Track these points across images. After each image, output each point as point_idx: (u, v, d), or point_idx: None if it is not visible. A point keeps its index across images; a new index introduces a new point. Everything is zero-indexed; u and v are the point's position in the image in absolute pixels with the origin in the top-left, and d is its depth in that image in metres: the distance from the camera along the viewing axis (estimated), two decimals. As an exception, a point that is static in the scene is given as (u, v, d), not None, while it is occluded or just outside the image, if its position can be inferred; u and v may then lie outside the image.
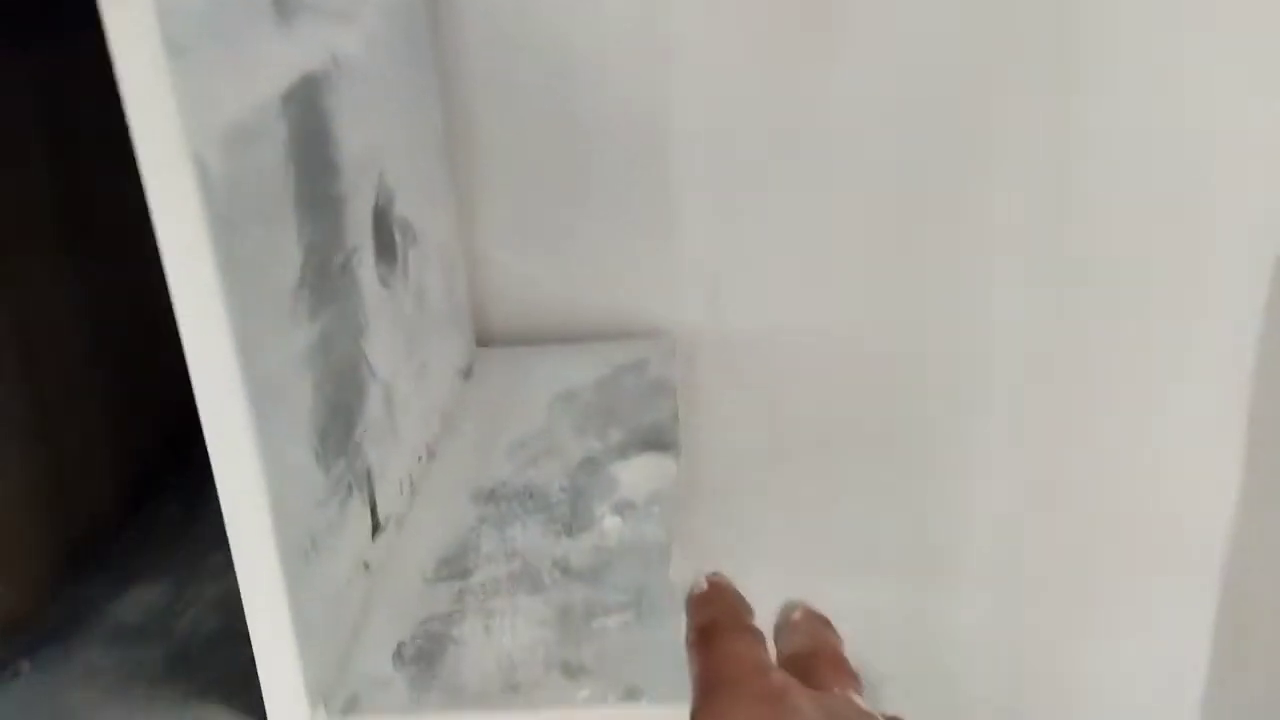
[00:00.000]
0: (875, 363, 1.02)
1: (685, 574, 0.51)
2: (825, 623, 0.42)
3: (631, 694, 0.53)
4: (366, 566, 0.62)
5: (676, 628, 0.42)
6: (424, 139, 0.83)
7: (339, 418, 0.58)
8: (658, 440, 0.79)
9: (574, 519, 0.69)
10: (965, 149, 0.95)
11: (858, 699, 0.37)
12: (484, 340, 0.99)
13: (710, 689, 0.35)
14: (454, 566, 0.65)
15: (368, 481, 0.62)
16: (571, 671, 0.55)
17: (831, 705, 0.35)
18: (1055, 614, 1.11)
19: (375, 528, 0.64)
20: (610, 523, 0.68)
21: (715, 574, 0.41)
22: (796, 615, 0.42)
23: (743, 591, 0.39)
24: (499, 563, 0.65)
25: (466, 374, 0.92)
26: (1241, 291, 0.98)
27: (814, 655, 0.39)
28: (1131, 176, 0.94)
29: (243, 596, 0.51)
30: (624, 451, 0.77)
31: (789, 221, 0.97)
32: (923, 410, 1.04)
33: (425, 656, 0.57)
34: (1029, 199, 0.96)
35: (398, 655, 0.57)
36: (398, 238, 0.72)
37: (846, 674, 0.39)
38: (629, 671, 0.55)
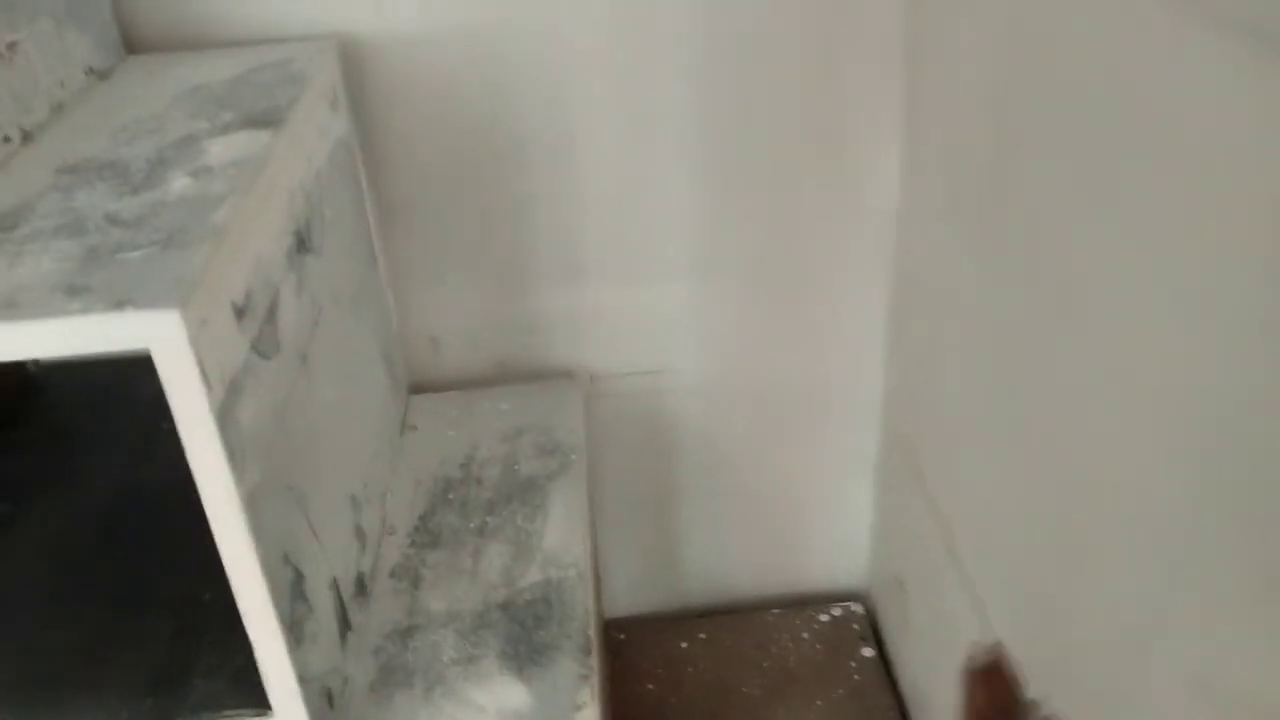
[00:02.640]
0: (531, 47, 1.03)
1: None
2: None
3: (120, 304, 0.55)
4: (-103, 218, 0.62)
5: (203, 258, 0.48)
6: None
7: None
8: (264, 119, 0.79)
9: (145, 182, 0.70)
10: None
11: None
12: (137, 46, 0.97)
13: None
14: (3, 222, 0.65)
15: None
16: (75, 291, 0.57)
17: None
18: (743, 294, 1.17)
19: (-88, 184, 0.64)
20: (180, 184, 0.69)
21: (995, 648, 0.38)
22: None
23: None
24: (50, 218, 0.66)
25: (103, 75, 0.90)
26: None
27: None
28: None
29: None
30: (226, 129, 0.78)
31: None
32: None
33: (-65, 287, 0.58)
34: None
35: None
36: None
37: None
38: (129, 289, 0.57)
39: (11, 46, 0.76)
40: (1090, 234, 0.71)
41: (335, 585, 0.79)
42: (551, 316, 1.16)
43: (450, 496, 1.01)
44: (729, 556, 1.38)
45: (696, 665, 1.36)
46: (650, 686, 1.33)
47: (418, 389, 1.17)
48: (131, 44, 0.96)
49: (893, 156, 1.09)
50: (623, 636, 1.38)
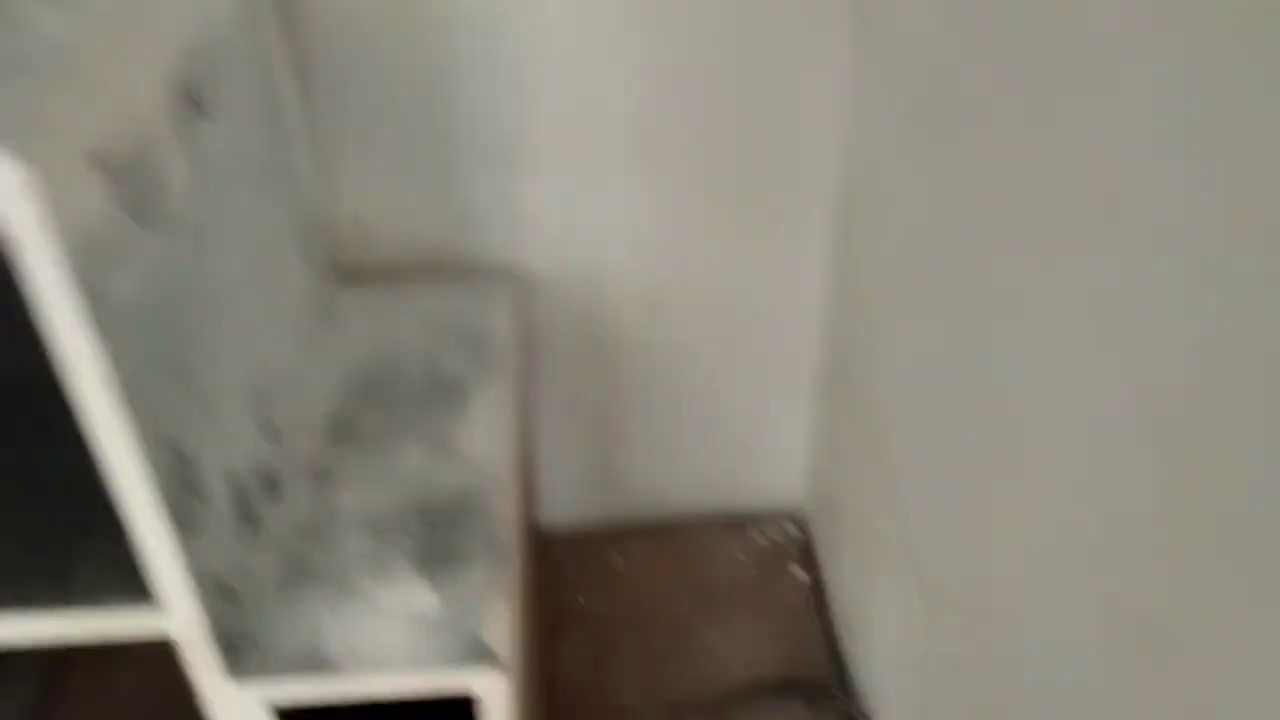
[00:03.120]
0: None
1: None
2: None
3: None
4: None
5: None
6: None
7: None
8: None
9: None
10: None
11: None
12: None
13: None
14: None
15: None
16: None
17: None
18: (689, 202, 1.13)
19: None
20: (42, 15, 0.63)
21: None
22: None
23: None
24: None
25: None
26: None
27: None
28: None
29: None
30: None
31: None
32: None
33: None
34: None
35: None
36: None
37: None
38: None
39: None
40: (1048, 159, 0.67)
41: (235, 477, 0.75)
42: (488, 208, 1.11)
43: (370, 393, 0.97)
44: (669, 469, 1.35)
45: (629, 579, 1.34)
46: (580, 599, 1.32)
47: (348, 279, 1.12)
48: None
49: (845, 64, 1.04)
50: (556, 546, 1.36)
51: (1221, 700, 0.52)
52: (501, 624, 0.77)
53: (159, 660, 0.68)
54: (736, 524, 1.38)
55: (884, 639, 1.10)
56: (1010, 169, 0.73)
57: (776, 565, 1.36)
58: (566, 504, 1.36)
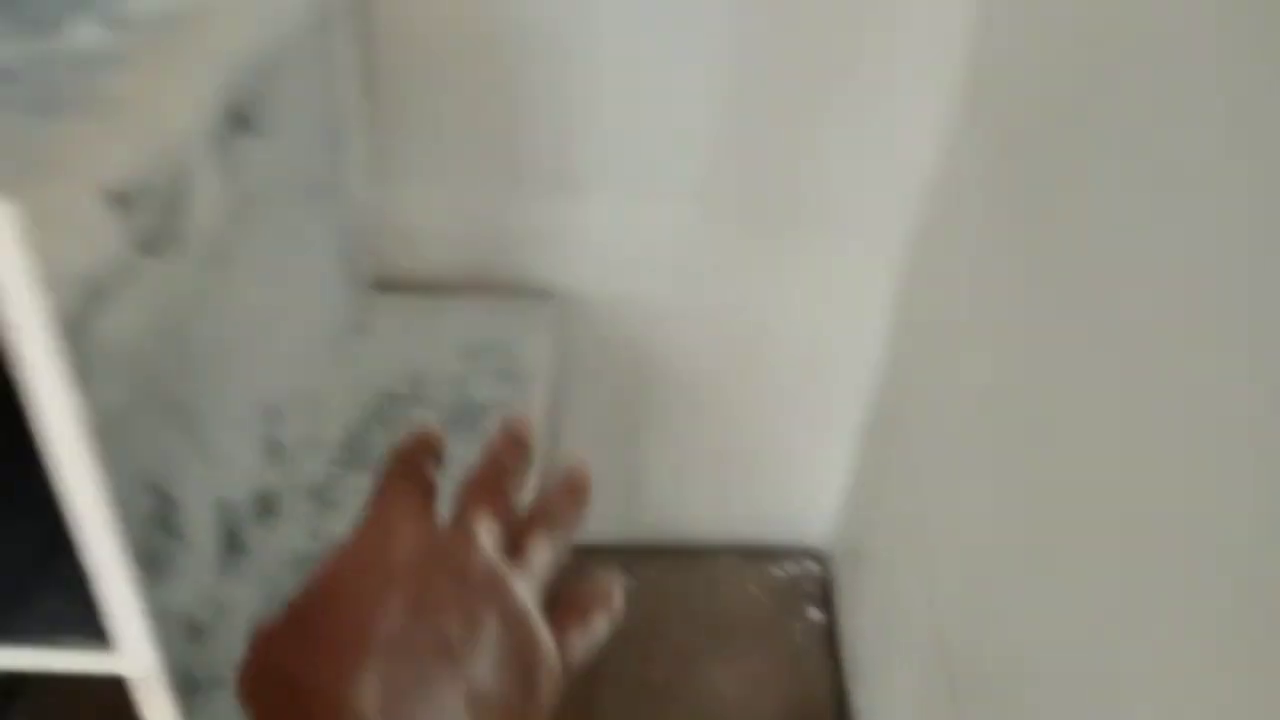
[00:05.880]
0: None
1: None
2: (514, 439, 0.44)
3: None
4: None
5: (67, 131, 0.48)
6: None
7: None
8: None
9: (44, 25, 0.59)
10: None
11: (483, 529, 0.40)
12: None
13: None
14: None
15: None
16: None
17: (435, 547, 0.39)
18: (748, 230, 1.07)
19: None
20: (85, 32, 0.58)
21: (424, 428, 0.45)
22: (495, 432, 0.45)
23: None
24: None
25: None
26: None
27: (475, 478, 0.43)
28: None
29: None
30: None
31: None
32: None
33: None
34: None
35: None
36: None
37: (487, 497, 0.42)
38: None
39: None
40: (1148, 250, 0.60)
41: (226, 506, 0.71)
42: (538, 225, 1.06)
43: (389, 414, 0.92)
44: (691, 494, 1.30)
45: (637, 604, 1.29)
46: (584, 619, 1.27)
47: (385, 286, 1.07)
48: None
49: (937, 117, 0.96)
50: (568, 564, 1.31)
51: None
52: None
53: (119, 696, 0.64)
54: (755, 556, 1.33)
55: (898, 696, 1.04)
56: (1105, 257, 0.66)
57: (792, 603, 1.30)
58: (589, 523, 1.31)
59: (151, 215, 0.57)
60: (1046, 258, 0.75)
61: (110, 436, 0.53)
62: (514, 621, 0.38)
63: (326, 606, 0.38)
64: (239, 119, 0.69)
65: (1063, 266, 0.72)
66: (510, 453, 0.44)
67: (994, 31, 0.88)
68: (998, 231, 0.85)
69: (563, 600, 0.42)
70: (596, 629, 0.42)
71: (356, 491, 0.83)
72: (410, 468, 0.43)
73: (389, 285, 1.07)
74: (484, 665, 0.37)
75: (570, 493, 0.45)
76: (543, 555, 0.42)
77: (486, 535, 0.40)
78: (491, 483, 0.43)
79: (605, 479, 1.25)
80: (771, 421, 1.22)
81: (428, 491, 0.42)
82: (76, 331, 0.50)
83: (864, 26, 0.92)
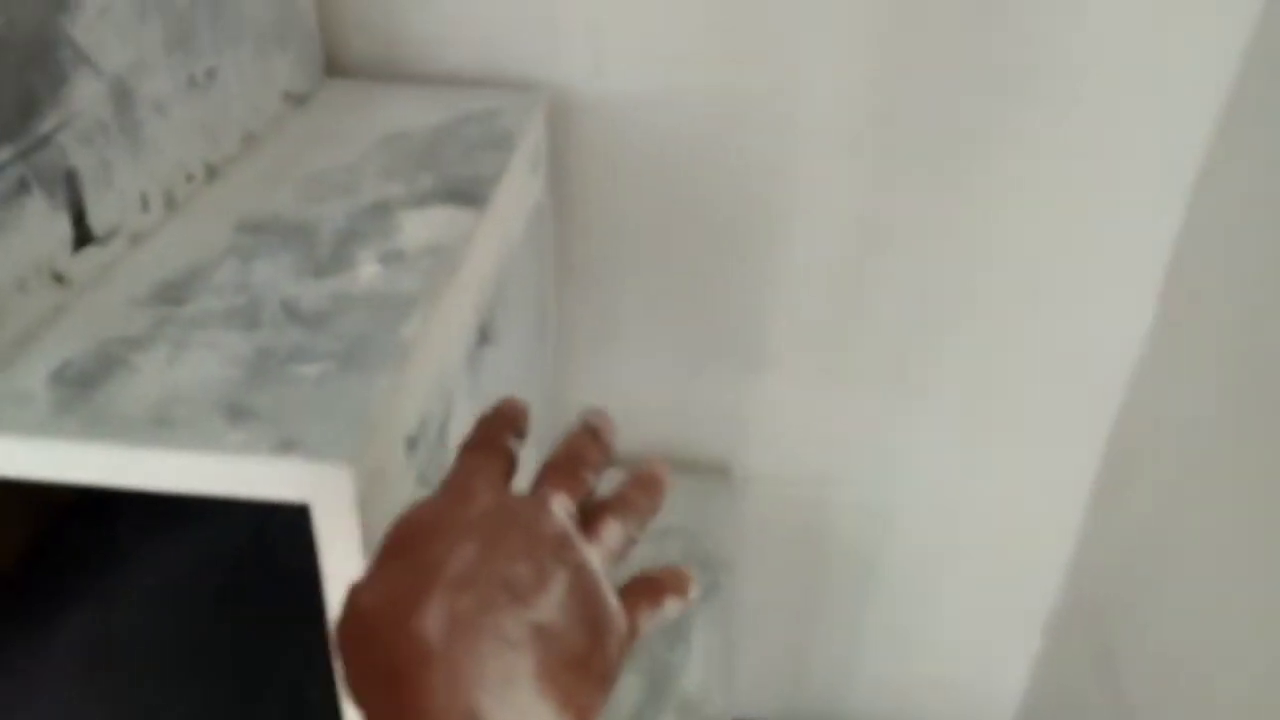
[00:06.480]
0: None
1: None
2: (593, 432, 0.45)
3: (286, 445, 0.47)
4: (59, 279, 0.55)
5: (385, 385, 0.50)
6: None
7: (6, 99, 0.50)
8: (466, 193, 0.70)
9: (331, 261, 0.62)
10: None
11: (557, 502, 0.41)
12: (338, 69, 0.90)
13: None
14: (173, 292, 0.58)
15: (66, 184, 0.55)
16: (236, 414, 0.49)
17: (509, 507, 0.40)
18: (939, 418, 1.06)
19: (82, 239, 0.57)
20: (368, 270, 0.61)
21: (508, 401, 0.47)
22: (575, 423, 0.46)
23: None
24: (224, 295, 0.58)
25: (300, 100, 0.83)
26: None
27: (551, 461, 0.44)
28: None
29: None
30: (424, 200, 0.69)
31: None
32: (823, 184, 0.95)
33: (87, 379, 0.51)
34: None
35: (58, 374, 0.51)
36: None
37: (563, 479, 0.42)
38: (299, 423, 0.48)
39: (210, 73, 0.68)
40: None
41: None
42: (720, 405, 1.06)
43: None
44: (857, 684, 1.26)
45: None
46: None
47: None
48: (333, 66, 0.89)
49: (1146, 307, 0.95)
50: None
51: None
52: None
53: None
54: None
55: None
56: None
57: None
58: (748, 692, 1.27)
59: (429, 449, 0.58)
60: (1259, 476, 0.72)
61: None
62: (583, 579, 0.39)
63: (401, 552, 0.39)
64: (484, 334, 0.71)
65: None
66: (588, 444, 0.45)
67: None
68: (1217, 430, 0.83)
69: (638, 580, 0.43)
70: (667, 610, 0.43)
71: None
72: (491, 440, 0.44)
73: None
74: (551, 610, 0.37)
75: (646, 485, 0.45)
76: (614, 534, 0.42)
77: (559, 507, 0.41)
78: (567, 466, 0.44)
79: (771, 657, 1.23)
80: (952, 612, 1.18)
81: (508, 463, 0.44)
82: (376, 577, 0.50)
83: (1065, 220, 0.93)
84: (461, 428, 0.65)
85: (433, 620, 0.36)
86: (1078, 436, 1.04)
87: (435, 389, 0.59)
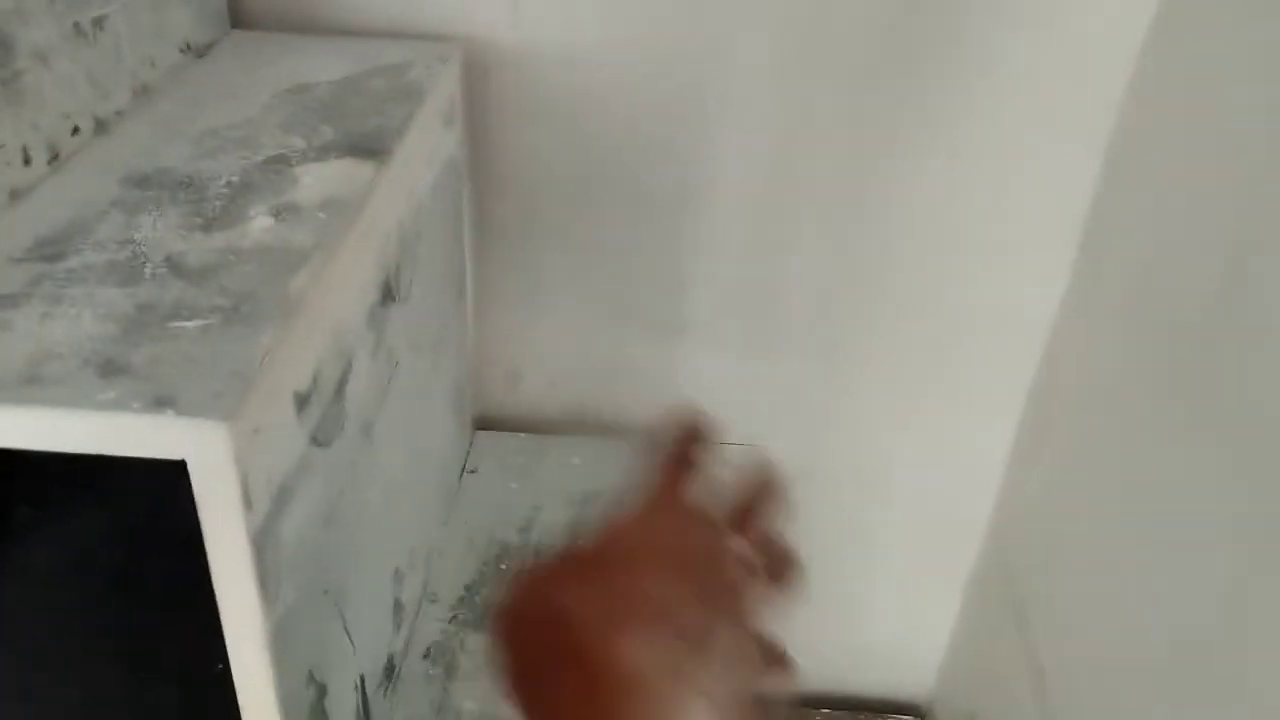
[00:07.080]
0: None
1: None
2: (762, 484, 0.48)
3: (160, 402, 0.45)
4: (-71, 232, 0.53)
5: (269, 340, 0.48)
6: None
7: None
8: (368, 146, 0.69)
9: (221, 215, 0.60)
10: None
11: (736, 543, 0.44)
12: (245, 20, 0.87)
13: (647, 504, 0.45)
14: (51, 248, 0.56)
15: (-67, 133, 0.53)
16: (110, 371, 0.47)
17: (701, 535, 0.43)
18: (861, 380, 1.06)
19: (-46, 191, 0.55)
20: (260, 224, 0.60)
21: (688, 412, 0.50)
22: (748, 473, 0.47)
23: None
24: (105, 250, 0.56)
25: (201, 52, 0.80)
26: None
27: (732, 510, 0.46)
28: None
29: None
30: (324, 153, 0.68)
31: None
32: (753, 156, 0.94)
33: (-46, 336, 0.49)
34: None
35: (-77, 332, 0.49)
36: None
37: (741, 526, 0.45)
38: (176, 379, 0.47)
39: (98, 22, 0.66)
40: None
41: (361, 684, 0.70)
42: (644, 370, 1.06)
43: (504, 565, 0.91)
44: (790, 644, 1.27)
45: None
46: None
47: (484, 424, 1.07)
48: (239, 17, 0.86)
49: (1063, 268, 0.96)
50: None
51: None
52: None
53: None
54: (855, 709, 1.29)
55: None
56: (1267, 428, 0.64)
57: (892, 758, 1.26)
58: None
59: (322, 406, 0.57)
60: (1198, 415, 0.73)
61: (282, 637, 0.53)
62: (741, 642, 0.42)
63: (600, 561, 0.40)
64: (388, 291, 0.70)
65: (1220, 428, 0.70)
66: (758, 492, 0.47)
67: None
68: (1136, 384, 0.84)
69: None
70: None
71: (472, 654, 0.82)
72: (687, 454, 0.48)
73: (487, 424, 1.07)
74: (716, 666, 0.39)
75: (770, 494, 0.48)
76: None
77: (737, 554, 0.44)
78: (744, 514, 0.46)
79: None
80: (878, 571, 1.19)
81: (697, 475, 0.47)
82: (265, 539, 0.50)
83: (988, 181, 0.93)
84: (363, 385, 0.64)
85: (646, 652, 0.37)
86: (998, 397, 1.05)
87: (331, 345, 0.58)
